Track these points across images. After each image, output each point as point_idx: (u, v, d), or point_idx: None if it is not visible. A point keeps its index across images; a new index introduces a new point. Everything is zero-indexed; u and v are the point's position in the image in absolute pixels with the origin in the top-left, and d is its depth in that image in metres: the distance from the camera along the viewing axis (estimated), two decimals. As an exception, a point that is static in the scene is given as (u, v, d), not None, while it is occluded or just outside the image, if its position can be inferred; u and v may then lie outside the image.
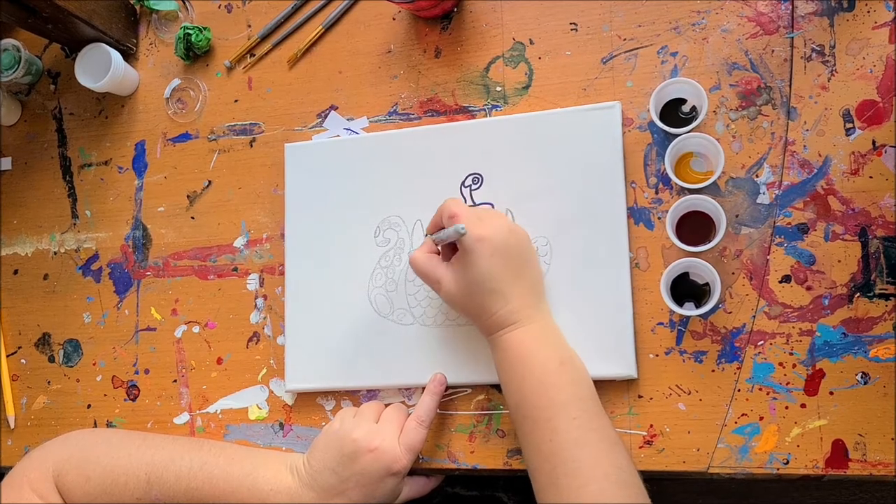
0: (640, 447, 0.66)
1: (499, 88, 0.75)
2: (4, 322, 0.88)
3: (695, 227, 0.66)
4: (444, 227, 0.67)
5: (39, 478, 0.70)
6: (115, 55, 0.83)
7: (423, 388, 0.71)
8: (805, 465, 0.63)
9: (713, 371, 0.66)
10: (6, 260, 0.89)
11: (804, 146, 0.66)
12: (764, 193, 0.67)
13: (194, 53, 0.85)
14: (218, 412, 0.79)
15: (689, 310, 0.65)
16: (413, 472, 0.69)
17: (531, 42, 0.75)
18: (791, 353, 0.64)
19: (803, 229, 0.65)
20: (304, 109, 0.81)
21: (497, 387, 0.71)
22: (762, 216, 0.66)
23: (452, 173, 0.74)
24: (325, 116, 0.80)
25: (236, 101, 0.84)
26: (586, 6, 0.74)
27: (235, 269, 0.81)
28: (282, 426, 0.76)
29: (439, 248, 0.69)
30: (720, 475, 0.65)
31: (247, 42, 0.84)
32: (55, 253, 0.87)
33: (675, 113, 0.69)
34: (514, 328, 0.64)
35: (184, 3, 0.87)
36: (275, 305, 0.79)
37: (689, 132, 0.67)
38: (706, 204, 0.65)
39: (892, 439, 0.62)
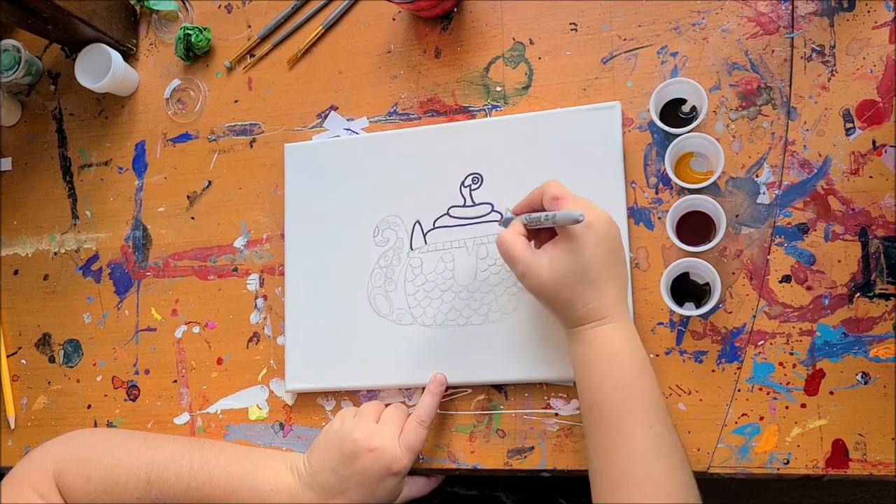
0: (641, 447, 0.66)
1: (499, 88, 0.75)
2: (5, 322, 0.88)
3: (695, 227, 0.66)
4: (536, 210, 0.64)
5: (40, 478, 0.70)
6: (116, 56, 0.83)
7: (423, 388, 0.71)
8: (805, 465, 0.63)
9: (713, 371, 0.66)
10: (6, 260, 0.89)
11: (804, 146, 0.66)
12: (764, 193, 0.67)
13: (194, 54, 0.85)
14: (218, 412, 0.79)
15: (689, 310, 0.65)
16: (413, 471, 0.69)
17: (531, 42, 0.75)
18: (791, 353, 0.64)
19: (803, 229, 0.65)
20: (304, 110, 0.81)
21: (497, 387, 0.71)
22: (762, 216, 0.66)
23: (452, 173, 0.74)
24: (325, 117, 0.80)
25: (236, 101, 0.84)
26: (586, 6, 0.74)
27: (235, 270, 0.81)
28: (282, 426, 0.76)
29: (527, 231, 0.65)
30: (720, 475, 0.65)
31: (247, 42, 0.84)
32: (55, 253, 0.87)
33: (675, 113, 0.69)
34: (603, 323, 0.61)
35: (184, 3, 0.87)
36: (275, 306, 0.79)
37: (689, 132, 0.67)
38: (706, 204, 0.65)
39: (893, 439, 0.62)
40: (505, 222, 0.68)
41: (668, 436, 0.59)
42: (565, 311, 0.62)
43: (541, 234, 0.65)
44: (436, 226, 0.74)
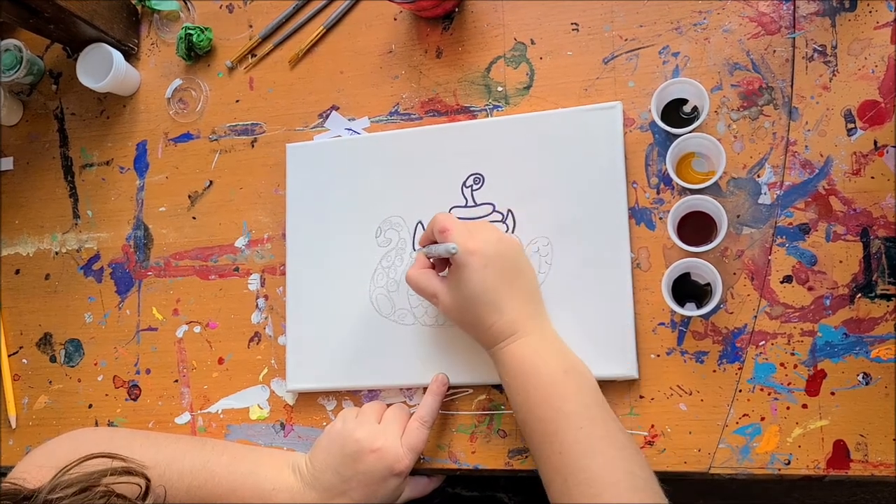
0: (642, 448, 0.66)
1: (500, 88, 0.75)
2: (6, 322, 0.88)
3: (696, 228, 0.66)
4: (435, 241, 0.66)
5: (41, 477, 0.70)
6: (117, 55, 0.83)
7: (425, 389, 0.71)
8: (806, 466, 0.63)
9: (714, 371, 0.66)
10: (8, 260, 0.89)
11: (806, 146, 0.66)
12: (765, 194, 0.67)
13: (196, 53, 0.85)
14: (219, 412, 0.79)
15: (690, 310, 0.65)
16: (414, 472, 0.69)
17: (532, 42, 0.75)
18: (792, 354, 0.64)
19: (805, 229, 0.65)
20: (306, 109, 0.81)
21: (498, 387, 0.71)
22: (763, 216, 0.66)
23: (454, 173, 0.74)
24: (327, 116, 0.80)
25: (238, 101, 0.84)
26: (587, 6, 0.73)
27: (237, 269, 0.81)
28: (283, 426, 0.77)
29: (432, 261, 0.69)
30: (721, 476, 0.65)
31: (248, 42, 0.84)
32: (56, 253, 0.87)
33: (676, 113, 0.69)
34: (513, 340, 0.63)
35: (185, 3, 0.87)
36: (276, 305, 0.79)
37: (690, 132, 0.67)
38: (707, 204, 0.65)
39: (894, 440, 0.62)
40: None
41: (603, 430, 0.60)
42: (475, 333, 0.66)
43: (449, 263, 0.67)
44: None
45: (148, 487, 0.63)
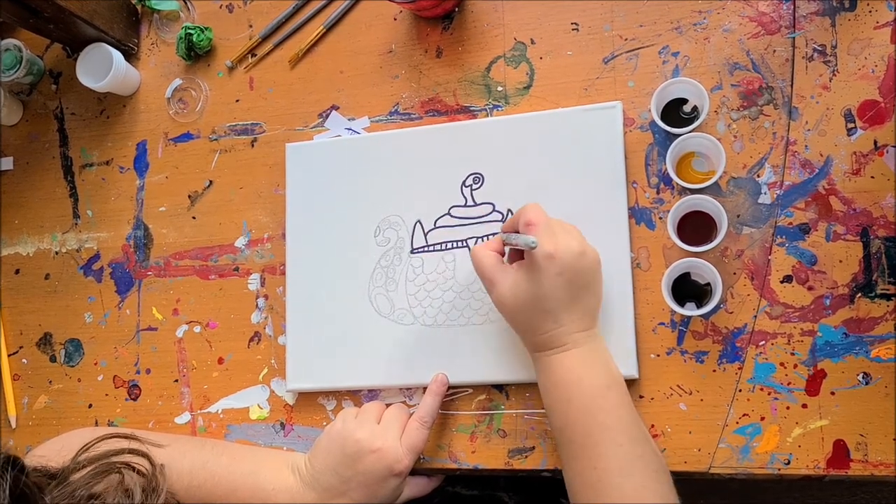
0: (642, 447, 0.66)
1: (500, 88, 0.75)
2: (6, 322, 0.88)
3: (696, 227, 0.66)
4: (517, 231, 0.64)
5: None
6: (117, 55, 0.83)
7: (424, 389, 0.71)
8: (806, 466, 0.63)
9: (714, 371, 0.66)
10: (7, 260, 0.89)
11: (806, 146, 0.66)
12: (765, 193, 0.67)
13: (196, 53, 0.85)
14: (219, 412, 0.79)
15: (690, 310, 0.65)
16: (414, 471, 0.69)
17: (532, 42, 0.75)
18: (792, 354, 0.64)
19: (805, 229, 0.65)
20: (306, 109, 0.81)
21: (498, 386, 0.71)
22: (763, 216, 0.66)
23: (453, 173, 0.74)
24: (327, 116, 0.80)
25: (238, 100, 0.84)
26: (587, 6, 0.73)
27: (237, 269, 0.81)
28: (283, 426, 0.77)
29: (506, 249, 0.66)
30: (721, 475, 0.65)
31: (248, 42, 0.84)
32: (56, 253, 0.87)
33: (676, 113, 0.69)
34: (561, 350, 0.62)
35: (185, 3, 0.87)
36: (276, 305, 0.79)
37: (690, 132, 0.67)
38: (707, 204, 0.65)
39: (894, 439, 0.61)
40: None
41: (640, 450, 0.59)
42: (523, 333, 0.64)
43: (520, 255, 0.65)
44: (437, 225, 0.74)
45: (161, 470, 0.63)
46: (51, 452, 0.63)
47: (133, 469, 0.60)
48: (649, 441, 0.61)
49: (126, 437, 0.64)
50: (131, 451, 0.62)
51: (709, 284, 0.66)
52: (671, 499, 0.59)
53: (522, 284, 0.62)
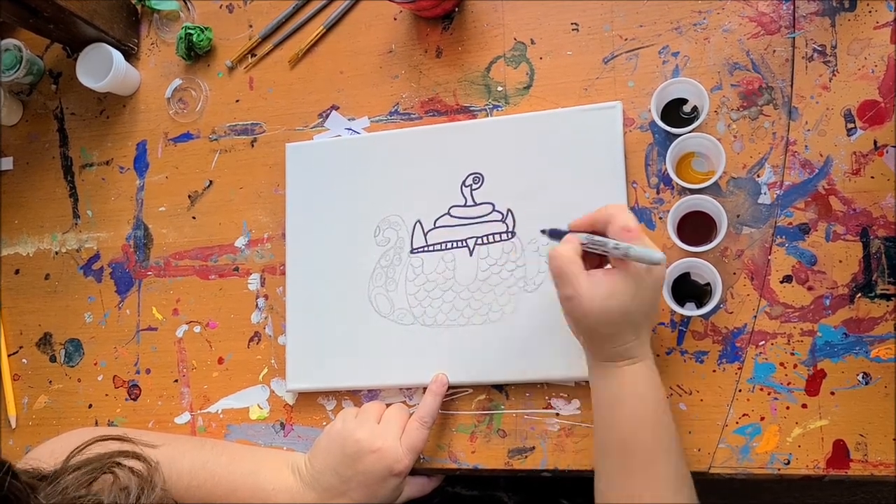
0: (641, 447, 0.66)
1: (500, 88, 0.75)
2: (6, 322, 0.88)
3: (696, 227, 0.66)
4: (598, 233, 0.60)
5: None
6: (117, 55, 0.83)
7: (424, 389, 0.71)
8: (806, 466, 0.63)
9: (714, 371, 0.66)
10: (7, 260, 0.89)
11: (805, 146, 0.66)
12: (765, 193, 0.67)
13: (196, 53, 0.85)
14: (219, 412, 0.79)
15: (690, 310, 0.65)
16: (414, 471, 0.69)
17: (532, 42, 0.75)
18: (792, 354, 0.64)
19: (804, 229, 0.65)
20: (306, 109, 0.81)
21: (498, 386, 0.71)
22: (763, 216, 0.66)
23: (453, 173, 0.74)
24: (327, 116, 0.80)
25: (237, 100, 0.84)
26: (587, 6, 0.73)
27: (236, 269, 0.81)
28: (283, 426, 0.77)
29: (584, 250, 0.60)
30: (721, 475, 0.65)
31: (248, 42, 0.84)
32: (56, 253, 0.87)
33: (676, 113, 0.69)
34: (632, 363, 0.59)
35: (185, 3, 0.87)
36: (276, 305, 0.79)
37: (690, 132, 0.67)
38: (707, 204, 0.65)
39: (894, 439, 0.62)
40: (554, 234, 0.62)
41: (685, 470, 0.60)
42: (600, 344, 0.60)
43: (586, 258, 0.60)
44: (437, 225, 0.74)
45: (156, 468, 0.63)
46: (45, 455, 0.63)
47: (126, 469, 0.60)
48: (684, 457, 0.62)
49: (119, 438, 0.64)
50: (123, 453, 0.62)
51: (708, 284, 0.66)
52: None
53: (619, 296, 0.57)
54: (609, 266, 0.60)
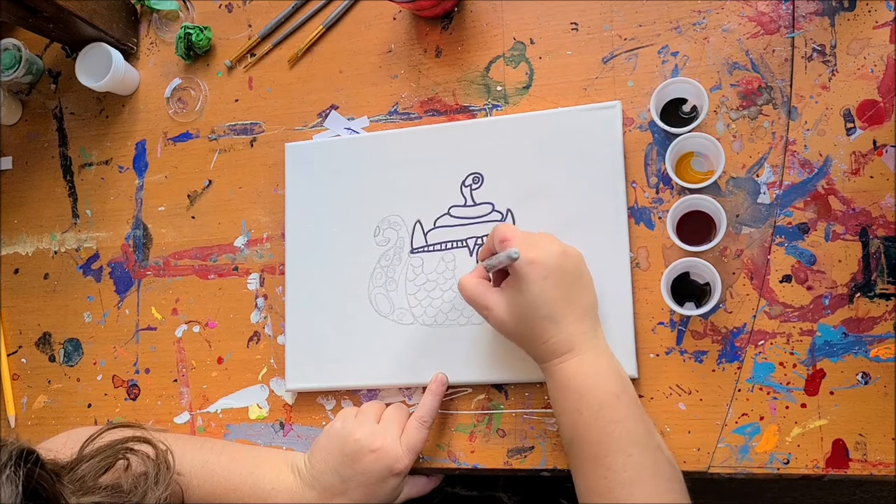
0: (641, 447, 0.66)
1: (499, 88, 0.75)
2: (5, 321, 0.88)
3: (695, 227, 0.66)
4: (495, 253, 0.64)
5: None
6: (116, 55, 0.83)
7: (424, 388, 0.71)
8: (805, 465, 0.63)
9: (714, 371, 0.66)
10: (7, 259, 0.89)
11: (805, 146, 0.66)
12: (764, 193, 0.67)
13: (195, 53, 0.85)
14: (218, 411, 0.79)
15: (689, 309, 0.65)
16: (413, 471, 0.69)
17: (532, 42, 0.75)
18: (792, 353, 0.64)
19: (804, 229, 0.65)
20: (305, 109, 0.81)
21: (497, 386, 0.71)
22: (763, 216, 0.66)
23: (453, 173, 0.74)
24: (326, 116, 0.80)
25: (237, 100, 0.84)
26: (587, 6, 0.74)
27: (236, 269, 0.81)
28: (282, 426, 0.77)
29: (490, 274, 0.66)
30: (720, 475, 0.65)
31: (247, 42, 0.84)
32: (56, 252, 0.87)
33: (675, 113, 0.69)
34: (569, 357, 0.61)
35: (184, 2, 0.87)
36: (275, 305, 0.79)
37: (689, 132, 0.67)
38: (707, 204, 0.65)
39: (893, 439, 0.62)
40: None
41: (650, 459, 0.59)
42: (530, 347, 0.64)
43: (505, 275, 0.65)
44: (436, 225, 0.74)
45: (168, 451, 0.64)
46: (58, 446, 0.64)
47: (140, 454, 0.61)
48: (661, 449, 0.61)
49: (129, 426, 0.65)
50: (135, 439, 0.63)
51: (708, 284, 0.66)
52: (686, 500, 0.59)
53: (514, 297, 0.62)
54: None
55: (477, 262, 0.72)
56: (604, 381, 0.61)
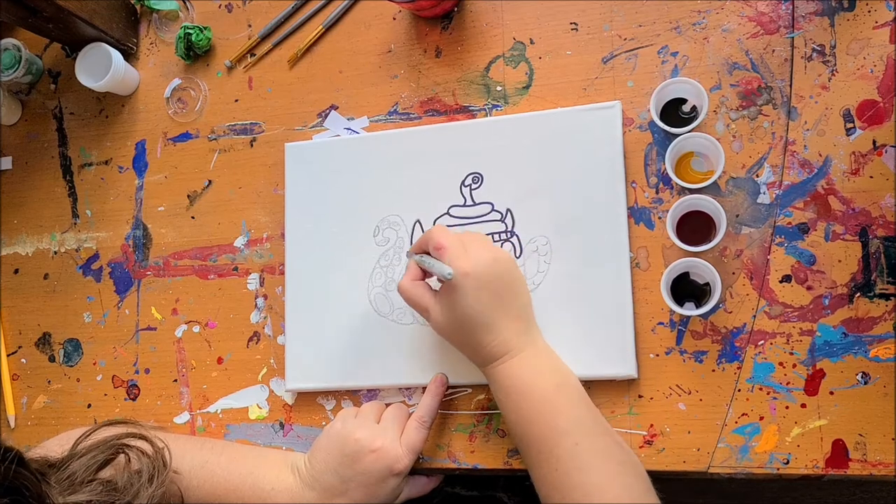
0: (641, 447, 0.66)
1: (499, 88, 0.75)
2: (5, 321, 0.88)
3: (695, 227, 0.66)
4: (428, 253, 0.65)
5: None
6: (116, 55, 0.83)
7: (424, 388, 0.71)
8: (805, 465, 0.63)
9: (713, 371, 0.66)
10: (6, 259, 0.89)
11: (805, 146, 0.66)
12: (764, 193, 0.67)
13: (195, 53, 0.85)
14: (218, 412, 0.79)
15: (689, 310, 0.65)
16: (413, 471, 0.69)
17: (532, 42, 0.75)
18: (791, 353, 0.64)
19: (804, 229, 0.65)
20: (305, 109, 0.81)
21: (497, 386, 0.71)
22: (762, 216, 0.66)
23: (452, 173, 0.74)
24: (326, 116, 0.80)
25: (237, 100, 0.84)
26: (587, 6, 0.74)
27: (236, 269, 0.81)
28: (282, 426, 0.76)
29: (424, 273, 0.68)
30: (720, 475, 0.65)
31: (247, 42, 0.84)
32: (55, 252, 0.87)
33: (675, 113, 0.69)
34: (507, 358, 0.63)
35: (184, 2, 0.87)
36: (275, 305, 0.79)
37: (689, 132, 0.67)
38: (706, 204, 0.65)
39: (893, 439, 0.62)
40: (408, 255, 0.69)
41: (599, 445, 0.60)
42: (467, 353, 0.65)
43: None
44: (436, 225, 0.74)
45: (165, 449, 0.64)
46: (54, 445, 0.64)
47: (136, 450, 0.62)
48: (610, 434, 0.61)
49: (124, 422, 0.65)
50: (131, 435, 0.63)
51: (708, 284, 0.66)
52: (638, 485, 0.59)
53: (448, 308, 0.63)
54: None
55: (407, 255, 0.72)
56: (543, 377, 0.62)
